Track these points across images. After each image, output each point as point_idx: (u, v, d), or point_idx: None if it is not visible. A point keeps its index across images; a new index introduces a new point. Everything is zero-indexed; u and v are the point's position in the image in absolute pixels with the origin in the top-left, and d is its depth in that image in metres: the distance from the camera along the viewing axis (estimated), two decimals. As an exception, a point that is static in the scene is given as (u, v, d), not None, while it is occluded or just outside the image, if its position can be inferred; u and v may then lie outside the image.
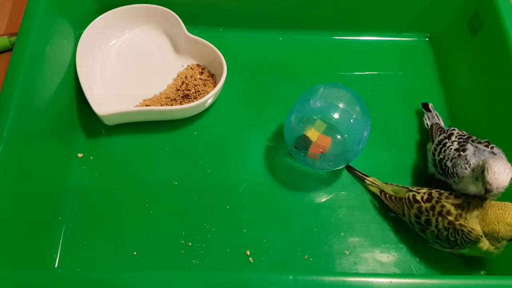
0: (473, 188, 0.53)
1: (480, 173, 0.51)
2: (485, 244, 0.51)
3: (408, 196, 0.57)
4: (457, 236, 0.52)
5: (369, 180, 0.62)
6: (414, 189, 0.58)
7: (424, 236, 0.56)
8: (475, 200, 0.53)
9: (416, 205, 0.56)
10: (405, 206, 0.57)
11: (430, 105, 0.67)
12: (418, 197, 0.56)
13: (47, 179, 0.57)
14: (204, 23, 0.74)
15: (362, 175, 0.63)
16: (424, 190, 0.57)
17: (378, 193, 0.61)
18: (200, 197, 0.61)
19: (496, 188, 0.49)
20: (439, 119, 0.65)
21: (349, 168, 0.63)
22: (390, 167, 0.64)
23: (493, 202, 0.52)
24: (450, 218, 0.53)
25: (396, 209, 0.58)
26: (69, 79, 0.63)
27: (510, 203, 0.50)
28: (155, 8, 0.71)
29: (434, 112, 0.66)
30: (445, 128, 0.62)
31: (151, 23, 0.73)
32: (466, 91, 0.69)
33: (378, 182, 0.62)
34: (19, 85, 0.53)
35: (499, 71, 0.62)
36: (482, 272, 0.57)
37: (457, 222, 0.52)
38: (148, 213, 0.59)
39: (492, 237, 0.51)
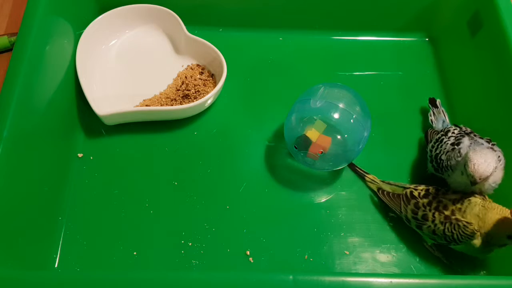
0: (462, 181, 0.54)
1: (463, 166, 0.52)
2: (478, 241, 0.52)
3: (406, 192, 0.58)
4: (453, 231, 0.53)
5: (369, 177, 0.62)
6: (412, 186, 0.58)
7: (420, 233, 0.57)
8: (476, 198, 0.53)
9: (413, 201, 0.56)
10: (402, 202, 0.57)
11: (438, 101, 0.67)
12: (415, 193, 0.57)
13: (47, 179, 0.57)
14: (204, 23, 0.74)
15: (362, 172, 0.63)
16: (422, 187, 0.58)
17: (376, 190, 0.61)
18: (200, 197, 0.61)
19: (479, 178, 0.50)
20: (445, 116, 0.65)
21: (350, 165, 0.64)
22: (390, 167, 0.64)
23: (495, 204, 0.52)
24: (446, 212, 0.53)
25: (393, 206, 0.59)
26: (69, 79, 0.63)
27: (508, 212, 0.51)
28: (155, 8, 0.71)
29: (441, 109, 0.66)
30: (449, 126, 0.62)
31: (151, 23, 0.73)
32: (466, 91, 0.69)
33: (378, 180, 0.62)
34: (19, 85, 0.53)
35: (499, 71, 0.62)
36: (482, 272, 0.57)
37: (453, 217, 0.53)
38: (148, 213, 0.59)
39: (484, 237, 0.51)
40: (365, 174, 0.63)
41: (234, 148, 0.65)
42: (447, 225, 0.53)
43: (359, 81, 0.72)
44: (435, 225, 0.54)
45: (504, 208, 0.51)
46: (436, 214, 0.54)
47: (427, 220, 0.55)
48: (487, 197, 0.54)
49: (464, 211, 0.53)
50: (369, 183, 0.62)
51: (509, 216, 0.50)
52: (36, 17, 0.58)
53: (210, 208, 0.60)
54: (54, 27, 0.61)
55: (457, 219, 0.52)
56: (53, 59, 0.60)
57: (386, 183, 0.61)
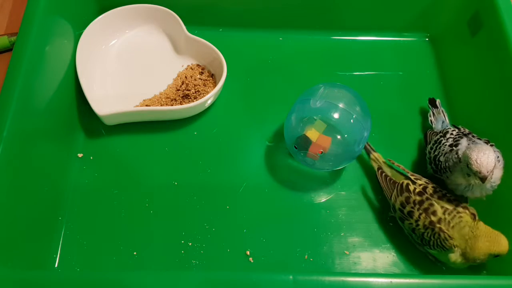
0: (464, 182, 0.53)
1: (466, 168, 0.52)
2: (455, 256, 0.52)
3: (402, 183, 0.57)
4: (432, 238, 0.53)
5: (374, 155, 0.62)
6: (412, 177, 0.57)
7: (400, 224, 0.57)
8: (467, 215, 0.53)
9: (405, 194, 0.56)
10: (395, 190, 0.57)
11: (438, 101, 0.67)
12: (411, 188, 0.56)
13: (47, 179, 0.57)
14: (204, 23, 0.74)
15: (370, 148, 0.63)
16: (422, 182, 0.57)
17: (376, 169, 0.61)
18: (200, 197, 0.61)
19: (487, 171, 0.50)
20: (444, 116, 0.65)
21: None
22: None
23: (482, 230, 0.51)
24: (433, 218, 0.53)
25: (386, 190, 0.58)
26: (69, 79, 0.63)
27: (498, 234, 0.51)
28: (155, 8, 0.71)
29: (441, 109, 0.65)
30: (448, 127, 0.62)
31: (151, 23, 0.73)
32: (466, 91, 0.69)
33: (381, 160, 0.62)
34: (19, 85, 0.53)
35: (499, 71, 0.62)
36: (482, 272, 0.57)
37: (438, 225, 0.52)
38: (148, 213, 0.59)
39: (468, 258, 0.52)
40: (371, 151, 0.62)
41: (234, 148, 0.65)
42: (429, 230, 0.53)
43: (359, 81, 0.72)
44: (417, 225, 0.54)
45: (492, 231, 0.51)
46: (423, 215, 0.53)
47: (411, 217, 0.54)
48: (476, 216, 0.53)
49: (453, 227, 0.52)
50: (372, 161, 0.62)
51: (497, 240, 0.51)
52: (36, 17, 0.58)
53: (210, 208, 0.60)
54: (54, 27, 0.61)
55: (440, 229, 0.52)
56: (53, 59, 0.60)
57: (389, 167, 0.61)
